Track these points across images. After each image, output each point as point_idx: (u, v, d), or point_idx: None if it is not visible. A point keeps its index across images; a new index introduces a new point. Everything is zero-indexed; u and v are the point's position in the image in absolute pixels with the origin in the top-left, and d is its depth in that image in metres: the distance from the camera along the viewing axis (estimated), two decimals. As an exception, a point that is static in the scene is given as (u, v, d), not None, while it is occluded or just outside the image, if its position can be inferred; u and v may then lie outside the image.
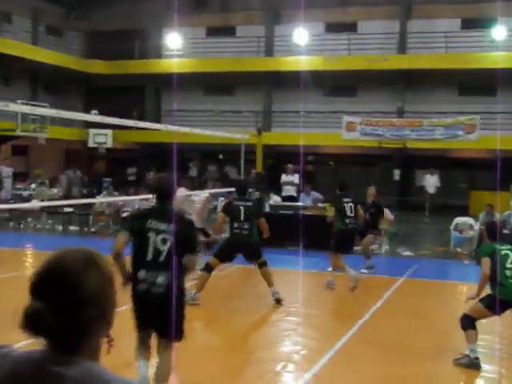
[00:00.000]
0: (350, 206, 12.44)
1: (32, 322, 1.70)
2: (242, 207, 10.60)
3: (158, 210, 6.18)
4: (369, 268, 14.20)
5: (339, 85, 32.36)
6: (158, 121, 33.36)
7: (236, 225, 10.57)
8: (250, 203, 10.96)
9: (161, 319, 5.79)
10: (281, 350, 8.38)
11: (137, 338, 6.02)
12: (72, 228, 20.92)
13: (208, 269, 10.38)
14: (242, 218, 10.53)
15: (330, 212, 13.02)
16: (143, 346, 6.01)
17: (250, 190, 16.20)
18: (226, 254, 10.71)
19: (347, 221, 12.40)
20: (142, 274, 5.84)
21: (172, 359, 5.95)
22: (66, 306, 1.71)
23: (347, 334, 8.83)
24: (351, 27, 33.20)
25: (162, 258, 5.86)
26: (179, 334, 5.94)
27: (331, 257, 12.62)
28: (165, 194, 6.14)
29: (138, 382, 5.63)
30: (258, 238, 11.06)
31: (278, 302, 10.69)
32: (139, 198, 19.42)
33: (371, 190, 14.84)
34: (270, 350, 8.28)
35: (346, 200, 12.48)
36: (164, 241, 5.89)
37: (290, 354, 8.11)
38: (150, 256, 5.88)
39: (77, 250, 1.84)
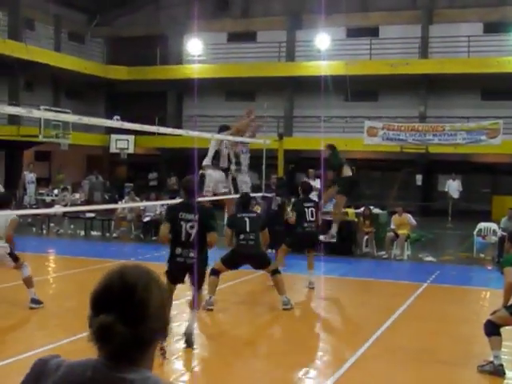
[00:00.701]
0: (311, 211, 12.46)
1: (104, 334, 1.79)
2: (246, 218, 10.58)
3: (185, 204, 8.55)
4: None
5: (361, 90, 32.26)
6: (179, 126, 33.47)
7: (242, 236, 10.52)
8: (254, 214, 10.99)
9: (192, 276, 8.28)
10: (302, 357, 8.32)
11: (167, 285, 7.94)
12: (94, 233, 20.99)
13: (215, 272, 10.35)
14: (248, 230, 10.49)
15: (292, 214, 12.98)
16: (170, 292, 8.06)
17: (270, 195, 16.20)
18: (232, 263, 10.66)
19: (305, 225, 12.44)
20: (178, 250, 8.33)
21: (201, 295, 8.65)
22: (134, 319, 1.81)
23: (369, 340, 8.75)
24: (373, 32, 33.11)
25: (191, 239, 8.25)
26: (200, 285, 8.46)
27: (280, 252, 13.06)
28: (191, 192, 8.46)
29: None
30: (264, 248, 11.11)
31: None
32: (160, 204, 19.48)
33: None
34: (291, 356, 8.22)
35: (307, 204, 12.55)
36: (192, 227, 8.26)
37: (312, 360, 8.05)
38: (183, 237, 8.29)
39: (136, 266, 1.94)
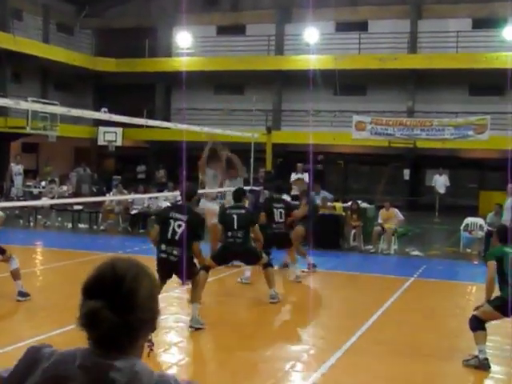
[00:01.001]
0: (280, 212, 12.28)
1: (92, 319, 1.84)
2: (235, 215, 10.53)
3: (179, 205, 9.23)
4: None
5: (349, 84, 32.29)
6: (167, 119, 33.42)
7: (230, 233, 10.47)
8: (243, 211, 10.78)
9: (176, 274, 8.75)
10: (290, 349, 8.37)
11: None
12: (81, 226, 20.94)
13: (205, 268, 10.34)
14: (236, 227, 10.45)
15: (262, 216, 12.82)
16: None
17: (258, 188, 16.24)
18: (221, 260, 10.61)
19: (274, 225, 12.25)
20: (163, 246, 8.67)
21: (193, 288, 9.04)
22: (122, 307, 1.85)
23: (356, 334, 8.80)
24: (362, 26, 33.14)
25: (176, 237, 8.59)
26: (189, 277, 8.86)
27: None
28: (187, 197, 9.03)
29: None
30: (253, 244, 10.92)
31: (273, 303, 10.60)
32: (148, 197, 19.47)
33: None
34: (278, 349, 8.27)
35: (276, 205, 12.33)
36: (179, 226, 8.62)
37: (299, 353, 8.09)
38: (169, 235, 8.62)
39: (127, 258, 1.99)
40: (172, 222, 8.67)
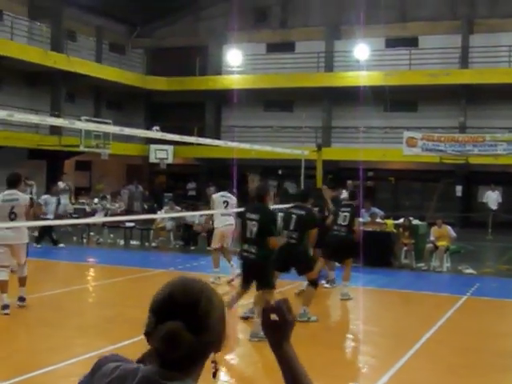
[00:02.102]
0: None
1: (172, 340, 1.82)
2: (294, 215, 10.47)
3: (252, 205, 9.78)
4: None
5: (400, 100, 32.11)
6: (217, 136, 33.64)
7: (285, 233, 10.40)
8: (303, 212, 10.44)
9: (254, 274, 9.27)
10: (343, 368, 8.30)
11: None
12: (133, 243, 21.15)
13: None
14: (292, 227, 10.42)
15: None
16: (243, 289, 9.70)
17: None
18: (280, 266, 10.15)
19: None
20: (244, 246, 9.37)
21: (265, 298, 8.61)
22: (198, 328, 1.84)
23: (408, 353, 8.69)
24: (412, 42, 32.94)
25: (253, 236, 9.18)
26: (267, 285, 9.14)
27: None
28: (258, 196, 9.59)
29: None
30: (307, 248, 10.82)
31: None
32: (199, 214, 19.58)
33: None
34: (330, 368, 8.20)
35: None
36: (254, 225, 9.19)
37: (352, 372, 8.03)
38: (247, 234, 9.30)
39: (197, 279, 1.99)
40: (248, 222, 9.29)
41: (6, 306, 10.18)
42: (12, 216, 10.25)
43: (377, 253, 16.39)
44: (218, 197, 14.37)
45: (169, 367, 1.84)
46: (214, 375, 1.94)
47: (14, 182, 10.56)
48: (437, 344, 9.42)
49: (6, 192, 10.39)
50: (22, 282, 10.70)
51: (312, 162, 17.77)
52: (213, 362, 1.93)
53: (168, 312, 1.85)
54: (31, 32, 32.05)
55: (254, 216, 9.19)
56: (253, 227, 9.14)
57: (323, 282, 13.33)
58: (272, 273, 9.40)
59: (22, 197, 10.48)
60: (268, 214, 9.33)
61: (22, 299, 10.66)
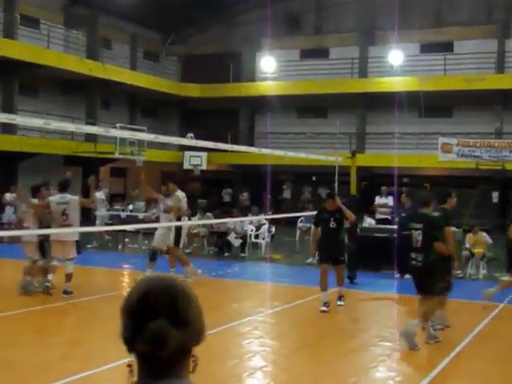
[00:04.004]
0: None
1: (160, 339, 1.79)
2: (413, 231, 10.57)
3: (415, 215, 10.11)
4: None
5: (435, 105, 31.86)
6: (251, 143, 33.71)
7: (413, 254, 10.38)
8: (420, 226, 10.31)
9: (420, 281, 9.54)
10: (375, 376, 8.23)
11: None
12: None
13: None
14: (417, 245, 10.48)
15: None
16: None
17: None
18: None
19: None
20: (412, 254, 9.50)
21: (428, 307, 9.40)
22: (181, 323, 1.82)
23: (444, 361, 8.58)
24: (447, 47, 32.69)
25: (419, 244, 9.37)
26: (432, 291, 9.34)
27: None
28: (423, 204, 9.76)
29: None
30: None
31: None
32: (233, 221, 19.59)
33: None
34: (364, 376, 8.13)
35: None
36: (418, 234, 9.39)
37: (385, 381, 7.96)
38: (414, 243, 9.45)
39: (164, 275, 1.95)
40: (413, 231, 9.49)
41: (47, 287, 12.04)
42: (64, 217, 11.86)
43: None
44: None
45: (157, 368, 1.81)
46: (194, 369, 1.90)
47: (65, 187, 12.22)
48: (473, 352, 9.30)
49: (59, 195, 12.02)
50: (68, 277, 12.02)
51: (346, 169, 17.73)
52: (192, 356, 1.89)
53: (147, 313, 1.82)
54: (67, 40, 32.45)
55: (418, 225, 9.45)
56: (418, 236, 9.38)
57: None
58: (440, 280, 9.41)
59: (72, 199, 12.06)
60: (431, 222, 9.49)
61: (66, 292, 11.93)
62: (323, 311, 11.52)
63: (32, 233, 11.98)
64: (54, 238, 11.99)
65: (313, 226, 12.78)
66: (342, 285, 12.27)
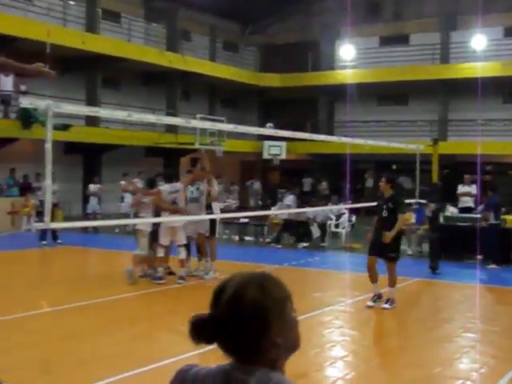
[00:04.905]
0: None
1: (194, 331, 1.85)
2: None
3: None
4: None
5: (520, 91, 31.00)
6: (331, 132, 33.56)
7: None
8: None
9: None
10: (459, 368, 8.09)
11: None
12: (248, 238, 21.37)
13: None
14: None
15: None
16: None
17: (424, 201, 15.84)
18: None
19: None
20: None
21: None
22: (223, 318, 1.83)
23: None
24: (533, 30, 31.74)
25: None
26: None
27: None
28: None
29: None
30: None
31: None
32: (312, 210, 19.54)
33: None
34: (447, 367, 8.01)
35: None
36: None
37: (469, 372, 7.81)
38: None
39: (249, 273, 1.95)
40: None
41: (159, 278, 12.70)
42: (174, 205, 12.63)
43: (496, 249, 15.87)
44: None
45: (240, 360, 1.84)
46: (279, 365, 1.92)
47: (172, 177, 12.99)
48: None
49: (168, 185, 12.61)
50: (182, 263, 12.69)
51: (427, 157, 17.43)
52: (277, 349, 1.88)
53: (213, 303, 1.88)
54: (148, 33, 32.96)
55: None
56: None
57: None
58: None
59: (181, 188, 12.69)
60: None
61: (181, 278, 12.65)
62: (369, 306, 10.84)
63: (144, 221, 12.58)
64: (165, 224, 12.55)
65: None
66: (393, 286, 10.95)
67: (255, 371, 1.82)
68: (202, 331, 1.84)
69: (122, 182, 23.49)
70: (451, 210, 19.01)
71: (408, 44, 35.04)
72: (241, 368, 1.83)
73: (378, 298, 10.94)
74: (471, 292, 12.64)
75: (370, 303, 10.87)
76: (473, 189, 20.57)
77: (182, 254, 12.68)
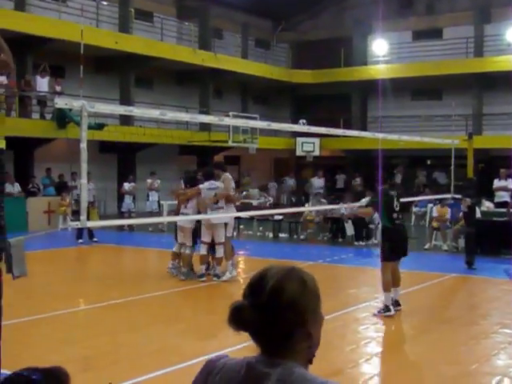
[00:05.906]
0: None
1: (234, 316, 1.89)
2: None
3: None
4: None
5: (556, 83, 30.54)
6: (364, 128, 33.39)
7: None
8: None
9: None
10: (496, 364, 8.02)
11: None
12: (282, 235, 21.39)
13: None
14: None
15: None
16: None
17: (459, 196, 15.72)
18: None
19: None
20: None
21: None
22: (265, 306, 1.87)
23: None
24: None
25: None
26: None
27: None
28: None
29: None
30: None
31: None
32: (344, 207, 19.46)
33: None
34: (484, 363, 7.95)
35: None
36: None
37: (506, 369, 7.74)
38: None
39: (285, 266, 2.00)
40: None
41: (202, 275, 12.87)
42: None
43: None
44: None
45: (265, 352, 1.89)
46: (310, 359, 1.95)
47: (212, 174, 13.06)
48: None
49: (207, 182, 12.77)
50: (217, 261, 12.95)
51: (462, 151, 17.24)
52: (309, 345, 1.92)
53: (245, 293, 1.94)
54: (180, 32, 33.13)
55: None
56: None
57: None
58: None
59: (220, 185, 12.83)
60: None
61: (217, 276, 12.82)
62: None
63: (184, 218, 12.94)
64: (204, 222, 12.80)
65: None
66: (384, 290, 10.13)
67: (280, 364, 1.85)
68: (241, 318, 1.88)
69: (149, 180, 23.75)
70: (487, 205, 18.83)
71: (441, 38, 34.72)
72: (266, 361, 1.87)
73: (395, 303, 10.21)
74: (508, 287, 12.51)
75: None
76: (509, 183, 20.38)
77: (220, 252, 12.82)
